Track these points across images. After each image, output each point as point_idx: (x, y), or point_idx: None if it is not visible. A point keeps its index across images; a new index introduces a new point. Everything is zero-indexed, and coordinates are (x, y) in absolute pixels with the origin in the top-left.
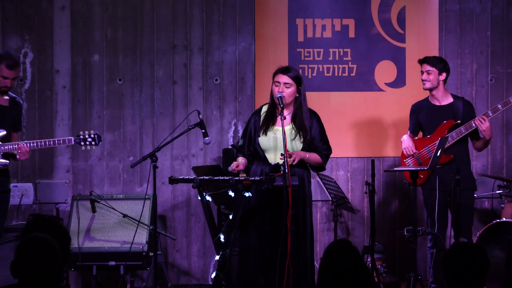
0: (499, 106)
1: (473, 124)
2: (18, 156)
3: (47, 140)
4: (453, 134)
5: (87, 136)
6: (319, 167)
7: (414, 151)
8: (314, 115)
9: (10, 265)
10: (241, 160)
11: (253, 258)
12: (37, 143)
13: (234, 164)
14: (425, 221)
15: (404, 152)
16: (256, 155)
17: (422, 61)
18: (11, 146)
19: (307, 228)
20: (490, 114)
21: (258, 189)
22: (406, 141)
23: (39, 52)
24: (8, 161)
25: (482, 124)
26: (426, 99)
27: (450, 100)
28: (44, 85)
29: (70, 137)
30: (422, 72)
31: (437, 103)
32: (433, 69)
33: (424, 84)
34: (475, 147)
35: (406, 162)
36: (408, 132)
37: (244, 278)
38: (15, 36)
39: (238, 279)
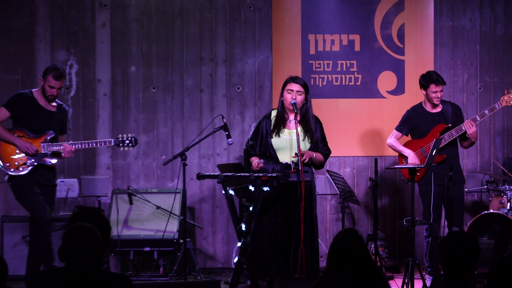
0: (486, 111)
1: (463, 128)
2: (63, 154)
3: (90, 141)
4: (445, 136)
5: (125, 139)
6: (320, 165)
7: (415, 161)
8: (317, 120)
9: (58, 250)
10: (258, 159)
11: (266, 246)
12: (81, 143)
13: (255, 162)
14: (421, 212)
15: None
16: (266, 154)
17: (439, 83)
18: (57, 146)
19: (313, 219)
20: (478, 119)
21: (271, 184)
22: (413, 157)
23: (83, 63)
24: (56, 160)
25: (470, 128)
26: (420, 105)
27: (440, 106)
28: (88, 93)
29: (110, 139)
30: (434, 92)
31: (430, 110)
32: (443, 87)
33: (436, 101)
34: (462, 145)
35: (404, 162)
36: (395, 131)
37: (258, 264)
38: (62, 50)
39: (252, 265)
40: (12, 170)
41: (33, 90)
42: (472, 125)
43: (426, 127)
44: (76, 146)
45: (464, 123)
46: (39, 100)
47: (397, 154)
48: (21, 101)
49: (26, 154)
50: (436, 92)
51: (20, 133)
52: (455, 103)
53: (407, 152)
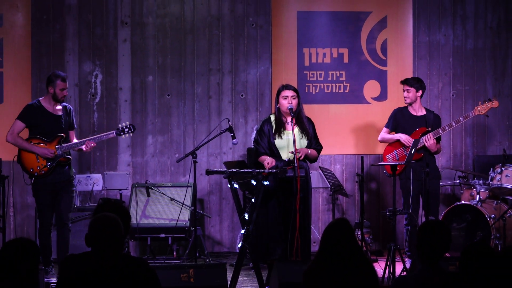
0: (461, 119)
1: (422, 141)
2: (85, 149)
3: (97, 136)
4: (425, 137)
5: (124, 127)
6: (314, 160)
7: (411, 142)
8: (310, 120)
9: (84, 237)
10: (269, 157)
11: (266, 233)
12: (95, 138)
13: (267, 161)
14: (402, 203)
15: (405, 143)
16: (270, 152)
17: (403, 82)
18: (70, 146)
19: (308, 209)
20: (454, 124)
21: (271, 179)
22: (403, 135)
23: (107, 74)
24: (70, 156)
25: (427, 142)
26: (406, 107)
27: (423, 112)
28: (111, 99)
29: (112, 131)
30: (403, 90)
31: (414, 113)
32: (411, 88)
33: (405, 100)
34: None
35: (387, 158)
36: (384, 128)
37: (260, 249)
38: (88, 62)
39: (254, 250)
40: (36, 174)
41: (40, 98)
42: (429, 138)
43: (410, 128)
44: (93, 141)
45: (423, 137)
46: (47, 108)
47: (381, 152)
48: (32, 111)
49: (46, 158)
50: (404, 91)
51: (36, 140)
52: (437, 114)
53: (398, 135)
